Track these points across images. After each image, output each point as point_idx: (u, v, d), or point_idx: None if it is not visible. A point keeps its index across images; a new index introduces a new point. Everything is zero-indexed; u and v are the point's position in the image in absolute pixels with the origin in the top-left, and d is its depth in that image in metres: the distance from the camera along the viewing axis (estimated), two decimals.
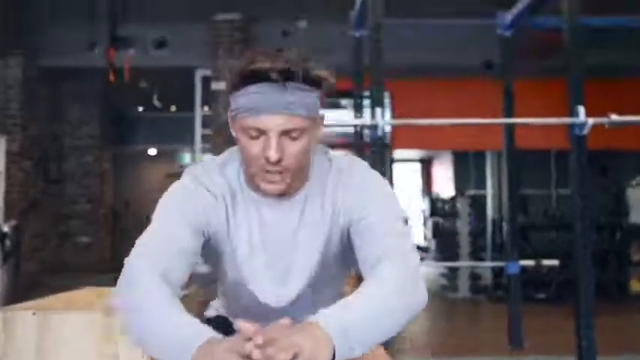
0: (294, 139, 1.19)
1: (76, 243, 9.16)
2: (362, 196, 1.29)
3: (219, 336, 1.07)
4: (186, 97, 8.04)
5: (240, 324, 1.03)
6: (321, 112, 1.26)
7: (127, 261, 1.22)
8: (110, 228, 10.01)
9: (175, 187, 1.34)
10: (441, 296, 7.53)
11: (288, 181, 1.23)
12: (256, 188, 1.29)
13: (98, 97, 9.41)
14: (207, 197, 1.30)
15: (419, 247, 11.45)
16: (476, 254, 7.77)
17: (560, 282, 7.19)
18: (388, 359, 1.38)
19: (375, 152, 3.47)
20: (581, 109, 3.26)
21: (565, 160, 3.64)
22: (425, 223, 11.41)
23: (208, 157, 1.33)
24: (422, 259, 9.53)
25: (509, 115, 4.25)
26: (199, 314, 1.56)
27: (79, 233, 9.20)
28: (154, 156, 11.16)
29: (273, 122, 1.16)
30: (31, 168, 7.91)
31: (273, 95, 1.16)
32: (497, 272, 7.52)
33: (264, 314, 1.41)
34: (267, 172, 1.20)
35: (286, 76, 1.15)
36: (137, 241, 1.26)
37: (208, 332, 1.08)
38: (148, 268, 1.18)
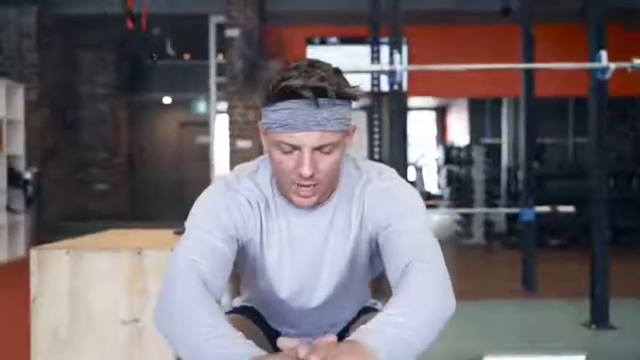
0: (327, 153, 1.19)
1: (93, 190, 9.29)
2: (389, 205, 1.28)
3: (263, 353, 1.04)
4: (200, 45, 7.99)
5: (284, 342, 1.02)
6: (352, 123, 1.25)
7: (167, 271, 1.21)
8: (127, 176, 10.13)
9: (209, 193, 1.33)
10: (456, 242, 7.62)
11: (320, 194, 1.25)
12: (287, 198, 1.30)
13: (113, 46, 9.37)
14: (243, 204, 1.30)
15: (432, 196, 11.52)
16: (490, 202, 7.81)
17: (575, 229, 7.24)
18: None
19: (393, 100, 3.48)
20: (604, 54, 3.23)
21: (583, 109, 3.62)
22: (439, 172, 11.43)
23: (239, 165, 1.33)
24: (435, 206, 9.62)
25: (528, 60, 4.20)
26: None
27: (97, 181, 9.32)
28: (169, 104, 11.14)
29: (307, 139, 1.17)
30: (49, 116, 7.98)
31: (306, 112, 1.15)
32: (512, 219, 7.59)
33: (291, 318, 1.44)
34: (300, 185, 1.21)
35: (319, 94, 1.15)
36: (175, 249, 1.24)
37: (250, 348, 1.05)
38: (189, 275, 1.17)
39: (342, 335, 1.46)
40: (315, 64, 1.20)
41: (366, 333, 1.04)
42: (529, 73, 4.49)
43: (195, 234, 1.25)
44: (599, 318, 3.47)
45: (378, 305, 1.57)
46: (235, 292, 1.70)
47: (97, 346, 2.11)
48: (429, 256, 1.21)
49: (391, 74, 3.23)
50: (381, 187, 1.32)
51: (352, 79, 1.25)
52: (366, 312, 1.52)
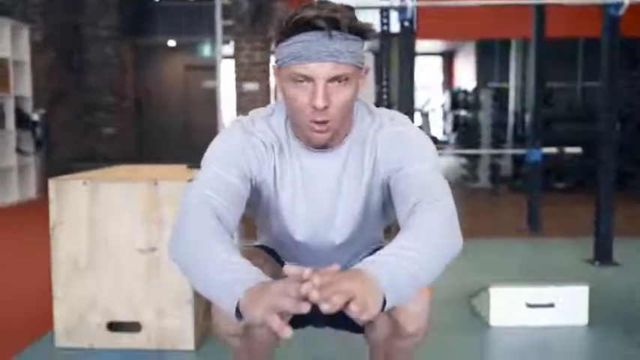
0: (340, 87, 1.19)
1: (100, 134, 9.31)
2: (400, 148, 1.29)
3: (269, 279, 1.06)
4: None
5: (290, 268, 1.01)
6: (365, 63, 1.25)
7: (182, 203, 1.23)
8: (134, 119, 10.14)
9: (225, 134, 1.35)
10: (462, 186, 7.67)
11: (334, 130, 1.25)
12: (301, 139, 1.31)
13: None
14: (258, 145, 1.32)
15: (438, 141, 11.52)
16: (497, 146, 7.81)
17: (581, 172, 7.25)
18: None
19: (402, 39, 3.44)
20: None
21: (594, 51, 3.57)
22: (445, 118, 11.39)
23: (254, 110, 1.33)
24: (441, 149, 9.63)
25: None
26: None
27: (104, 124, 9.33)
28: (174, 47, 11.03)
29: (320, 69, 1.17)
30: (55, 59, 7.93)
31: (319, 43, 1.16)
32: (518, 162, 7.60)
33: (305, 260, 1.45)
34: (314, 122, 1.21)
35: (332, 25, 1.16)
36: (189, 185, 1.27)
37: (259, 275, 1.07)
38: (203, 208, 1.19)
39: None
40: (327, 1, 1.21)
41: (370, 263, 1.07)
42: (541, 11, 4.42)
43: (210, 169, 1.27)
44: (603, 255, 3.53)
45: None
46: (246, 233, 1.75)
47: (115, 273, 2.18)
48: (437, 195, 1.23)
49: (402, 10, 3.20)
50: (393, 132, 1.33)
51: (362, 18, 1.26)
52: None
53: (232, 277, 1.07)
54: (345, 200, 1.36)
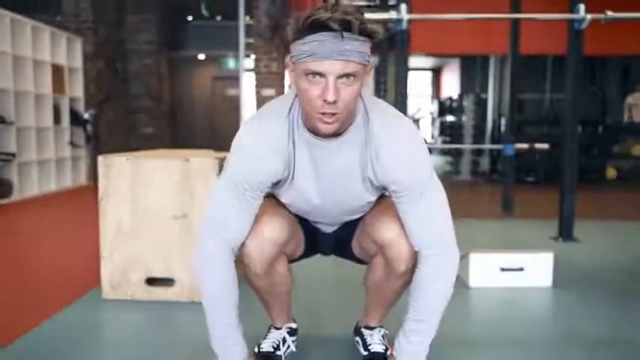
0: (348, 83, 1.17)
1: (141, 133, 9.34)
2: (402, 161, 1.28)
3: (245, 350, 1.37)
4: (230, 6, 7.85)
5: None
6: (371, 61, 1.23)
7: (199, 234, 1.32)
8: (168, 121, 10.16)
9: (240, 148, 1.30)
10: (446, 178, 7.65)
11: (340, 123, 1.23)
12: (310, 129, 1.28)
13: (155, 7, 9.25)
14: (275, 161, 1.30)
15: (427, 142, 11.51)
16: (477, 144, 7.79)
17: (548, 167, 7.25)
18: None
19: (398, 46, 3.43)
20: (582, 6, 3.17)
21: (561, 67, 3.54)
22: (433, 123, 11.40)
23: (267, 103, 1.29)
24: (430, 150, 9.65)
25: (515, 11, 4.11)
26: None
27: (143, 125, 9.35)
28: (203, 60, 11.05)
29: (332, 67, 1.14)
30: (103, 67, 7.96)
31: (332, 43, 1.13)
32: (494, 159, 7.59)
33: (314, 235, 1.54)
34: (324, 113, 1.19)
35: (344, 27, 1.13)
36: (210, 204, 1.32)
37: (237, 354, 1.35)
38: (219, 249, 1.30)
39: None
40: (340, 3, 1.20)
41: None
42: (516, 30, 4.40)
43: (225, 198, 1.30)
44: (566, 233, 3.53)
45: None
46: None
47: (153, 236, 2.19)
48: (439, 233, 1.31)
49: (397, 22, 3.20)
50: (391, 141, 1.29)
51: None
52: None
53: (223, 346, 1.36)
54: (347, 182, 1.35)
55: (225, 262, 1.29)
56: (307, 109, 1.22)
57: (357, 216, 1.50)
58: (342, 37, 1.13)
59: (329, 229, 1.56)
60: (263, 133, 1.30)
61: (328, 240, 1.57)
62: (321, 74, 1.15)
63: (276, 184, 1.37)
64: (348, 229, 1.53)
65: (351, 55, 1.14)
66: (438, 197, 1.32)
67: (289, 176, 1.34)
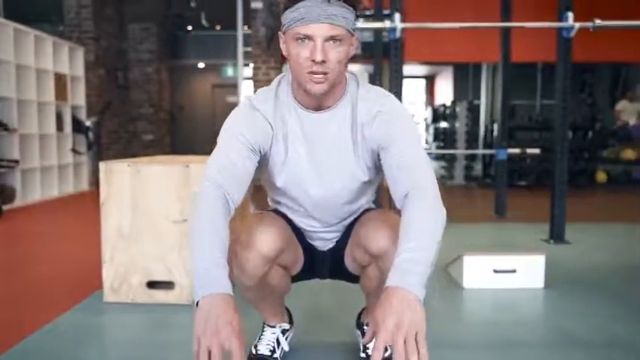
0: (335, 45, 1.20)
1: (142, 139, 9.34)
2: (385, 127, 1.30)
3: (229, 290, 1.07)
4: (229, 17, 7.88)
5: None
6: (356, 33, 1.26)
7: (202, 182, 1.26)
8: (169, 128, 10.16)
9: (235, 113, 1.35)
10: (440, 183, 7.66)
11: (330, 82, 1.24)
12: (302, 102, 1.31)
13: (155, 17, 9.27)
14: (263, 118, 1.33)
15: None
16: (470, 150, 7.80)
17: (539, 172, 7.27)
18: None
19: (392, 53, 3.45)
20: (570, 14, 3.19)
21: (551, 75, 3.56)
22: (427, 129, 11.41)
23: (262, 88, 1.32)
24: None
25: (506, 19, 4.13)
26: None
27: (144, 131, 9.36)
28: (203, 69, 11.07)
29: (319, 30, 1.18)
30: (104, 76, 7.97)
31: (319, 8, 1.18)
32: (487, 165, 7.61)
33: (316, 214, 1.46)
34: (313, 73, 1.21)
35: None
36: (208, 163, 1.29)
37: (222, 286, 1.07)
38: (214, 191, 1.22)
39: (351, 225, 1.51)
40: None
41: (399, 278, 1.06)
42: (507, 39, 4.41)
43: (222, 151, 1.29)
44: (557, 235, 3.53)
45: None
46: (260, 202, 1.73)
47: (153, 240, 2.19)
48: (422, 180, 1.23)
49: (391, 31, 3.21)
50: (379, 108, 1.32)
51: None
52: (368, 210, 1.53)
53: (203, 273, 1.09)
54: (339, 153, 1.36)
55: (219, 205, 1.21)
56: (298, 71, 1.23)
57: (353, 209, 1.47)
58: (329, 2, 1.17)
59: (325, 246, 1.53)
60: (252, 104, 1.35)
61: (325, 258, 1.54)
62: (309, 37, 1.19)
63: (272, 163, 1.37)
64: (344, 246, 1.51)
65: (337, 20, 1.18)
66: (425, 158, 1.29)
67: (282, 148, 1.35)
